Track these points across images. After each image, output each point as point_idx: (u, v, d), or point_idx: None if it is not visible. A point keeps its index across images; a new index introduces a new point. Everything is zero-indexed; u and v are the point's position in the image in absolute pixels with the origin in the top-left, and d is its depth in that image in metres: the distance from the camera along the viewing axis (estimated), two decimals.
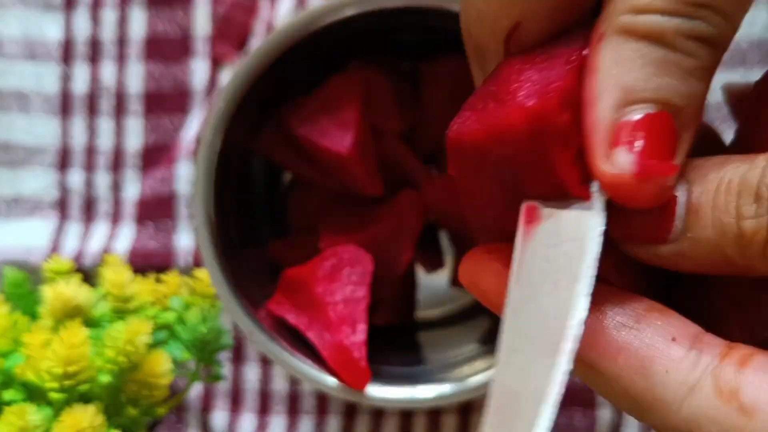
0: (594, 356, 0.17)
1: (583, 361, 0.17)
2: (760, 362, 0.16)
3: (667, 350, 0.16)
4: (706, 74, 0.17)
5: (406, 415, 0.42)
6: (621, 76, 0.16)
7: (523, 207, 0.18)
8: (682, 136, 0.17)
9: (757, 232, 0.15)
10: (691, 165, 0.17)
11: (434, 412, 0.42)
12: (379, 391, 0.32)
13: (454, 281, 0.39)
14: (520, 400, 0.16)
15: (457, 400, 0.32)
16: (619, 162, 0.16)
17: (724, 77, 0.40)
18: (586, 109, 0.17)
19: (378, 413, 0.43)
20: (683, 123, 0.17)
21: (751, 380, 0.15)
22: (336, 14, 0.30)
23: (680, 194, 0.16)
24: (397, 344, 0.38)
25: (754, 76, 0.40)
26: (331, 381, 0.32)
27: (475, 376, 0.32)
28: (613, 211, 0.17)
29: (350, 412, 0.43)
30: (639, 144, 0.16)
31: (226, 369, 0.43)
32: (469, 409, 0.42)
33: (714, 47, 0.17)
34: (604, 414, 0.41)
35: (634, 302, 0.17)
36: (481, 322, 0.38)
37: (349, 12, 0.30)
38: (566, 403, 0.42)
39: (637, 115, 0.16)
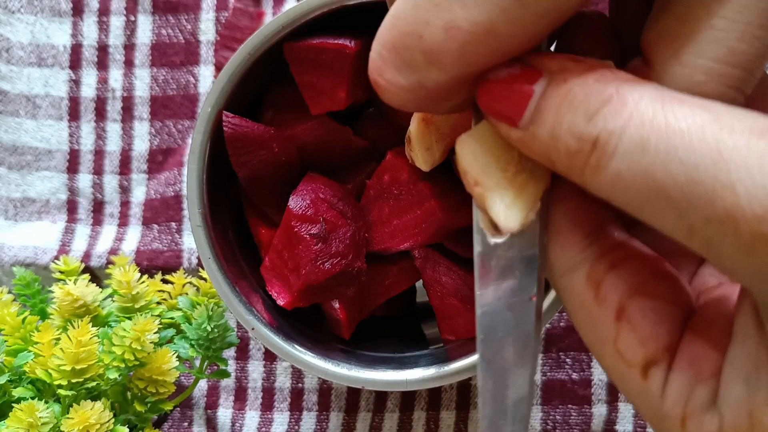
0: None
1: None
2: (626, 269, 0.20)
3: (568, 233, 0.20)
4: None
5: (406, 411, 0.43)
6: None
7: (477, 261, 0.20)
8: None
9: (578, 151, 0.17)
10: (561, 65, 0.18)
11: (433, 408, 0.43)
12: (359, 373, 0.33)
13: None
14: (506, 400, 0.20)
15: (442, 383, 0.33)
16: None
17: None
18: None
19: (378, 409, 0.43)
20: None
21: (611, 279, 0.20)
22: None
23: (538, 89, 0.18)
24: (394, 330, 0.38)
25: None
26: (332, 368, 0.33)
27: (460, 360, 0.32)
28: (485, 86, 0.19)
29: (351, 408, 0.43)
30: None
31: (230, 366, 0.43)
32: (467, 406, 0.43)
33: None
34: (599, 411, 0.42)
35: (557, 185, 0.20)
36: None
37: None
38: (562, 400, 0.42)
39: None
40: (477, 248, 0.20)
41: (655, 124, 0.16)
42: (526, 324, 0.20)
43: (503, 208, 0.20)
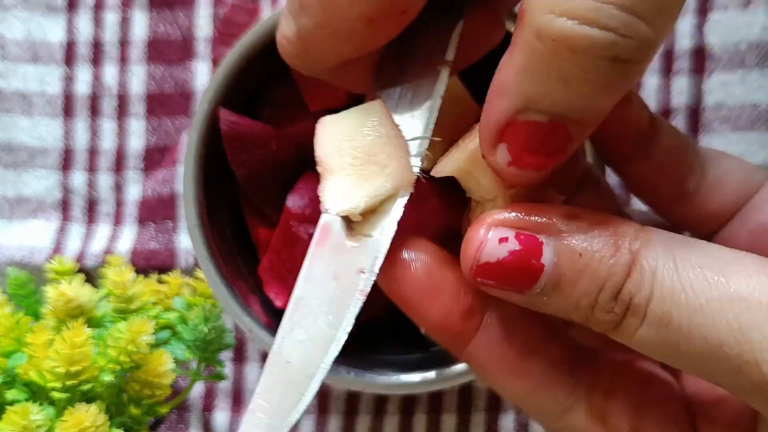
0: (498, 376, 0.20)
1: (488, 376, 0.20)
2: (622, 391, 0.20)
3: (556, 379, 0.20)
4: (614, 92, 0.16)
5: (407, 413, 0.42)
6: (526, 84, 0.16)
7: (321, 222, 0.19)
8: (570, 143, 0.17)
9: (609, 322, 0.18)
10: (561, 226, 0.18)
11: (435, 411, 0.42)
12: (358, 375, 0.32)
13: None
14: (293, 371, 0.19)
15: (443, 386, 0.33)
16: (498, 156, 0.17)
17: (723, 78, 0.40)
18: (491, 99, 0.17)
19: (378, 412, 0.43)
20: (576, 132, 0.17)
21: (615, 407, 0.19)
22: None
23: (547, 260, 0.17)
24: (394, 332, 0.38)
25: (752, 77, 0.40)
26: (331, 371, 0.32)
27: (462, 363, 0.32)
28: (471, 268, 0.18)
29: (351, 411, 0.43)
30: (520, 145, 0.17)
31: (227, 368, 0.43)
32: (469, 408, 0.42)
33: (631, 64, 0.15)
34: None
35: (534, 331, 0.20)
36: None
37: None
38: None
39: (529, 119, 0.17)
40: (324, 214, 0.19)
41: (675, 299, 0.16)
42: (346, 299, 0.19)
43: (334, 193, 0.19)
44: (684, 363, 0.17)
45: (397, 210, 0.19)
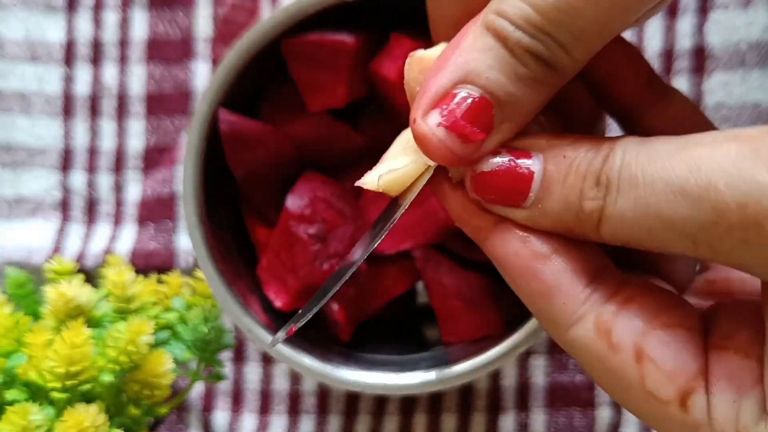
0: (513, 275, 0.21)
1: (505, 273, 0.21)
2: (633, 309, 0.20)
3: (568, 285, 0.20)
4: (538, 86, 0.20)
5: (406, 414, 0.42)
6: (469, 60, 0.19)
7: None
8: (499, 126, 0.20)
9: (594, 210, 0.19)
10: (549, 142, 0.20)
11: (434, 411, 0.42)
12: (358, 376, 0.32)
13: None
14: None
15: (443, 387, 0.32)
16: (430, 119, 0.20)
17: (723, 78, 0.40)
18: (432, 73, 0.20)
19: (378, 412, 0.43)
20: (503, 115, 0.20)
21: (621, 323, 0.20)
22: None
23: (536, 168, 0.20)
24: (394, 332, 0.38)
25: (753, 77, 0.40)
26: (332, 372, 0.32)
27: (462, 362, 0.32)
28: (481, 177, 0.21)
29: (351, 411, 0.43)
30: (453, 112, 0.19)
31: (227, 369, 0.43)
32: (469, 408, 0.42)
33: (550, 68, 0.19)
34: (603, 414, 0.41)
35: (554, 236, 0.21)
36: None
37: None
38: (566, 403, 0.42)
39: (463, 93, 0.19)
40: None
41: (640, 159, 0.18)
42: (372, 240, 0.23)
43: (371, 172, 0.23)
44: (656, 226, 0.18)
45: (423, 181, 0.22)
